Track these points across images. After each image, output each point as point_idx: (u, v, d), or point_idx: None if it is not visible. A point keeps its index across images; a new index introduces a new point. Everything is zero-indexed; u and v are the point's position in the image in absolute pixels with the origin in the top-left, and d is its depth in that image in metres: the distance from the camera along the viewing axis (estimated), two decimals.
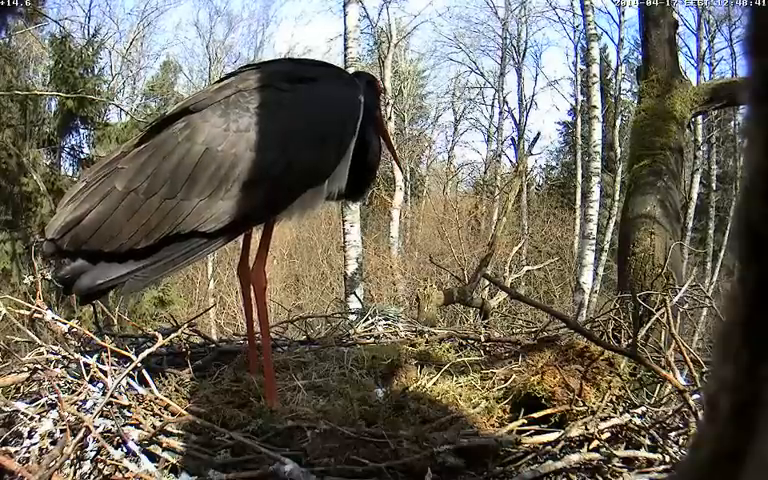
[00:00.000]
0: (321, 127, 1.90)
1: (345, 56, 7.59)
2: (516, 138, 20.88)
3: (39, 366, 1.94)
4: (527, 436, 1.67)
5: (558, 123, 24.25)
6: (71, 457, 1.49)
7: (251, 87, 1.85)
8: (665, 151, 4.04)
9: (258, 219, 1.94)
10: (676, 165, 4.14)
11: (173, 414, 1.75)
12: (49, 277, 2.34)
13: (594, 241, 10.64)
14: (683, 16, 15.37)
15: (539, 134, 9.87)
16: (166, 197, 1.70)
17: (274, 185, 1.82)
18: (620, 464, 1.61)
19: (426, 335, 2.83)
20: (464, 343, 2.74)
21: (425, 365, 2.30)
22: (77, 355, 1.99)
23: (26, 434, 1.64)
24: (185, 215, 1.71)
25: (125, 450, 1.55)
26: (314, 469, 1.48)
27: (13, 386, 1.94)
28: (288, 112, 1.88)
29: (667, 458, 1.61)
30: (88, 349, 2.15)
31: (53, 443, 1.58)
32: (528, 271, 11.00)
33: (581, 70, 17.97)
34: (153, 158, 1.74)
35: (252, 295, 2.04)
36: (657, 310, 2.57)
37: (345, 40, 7.65)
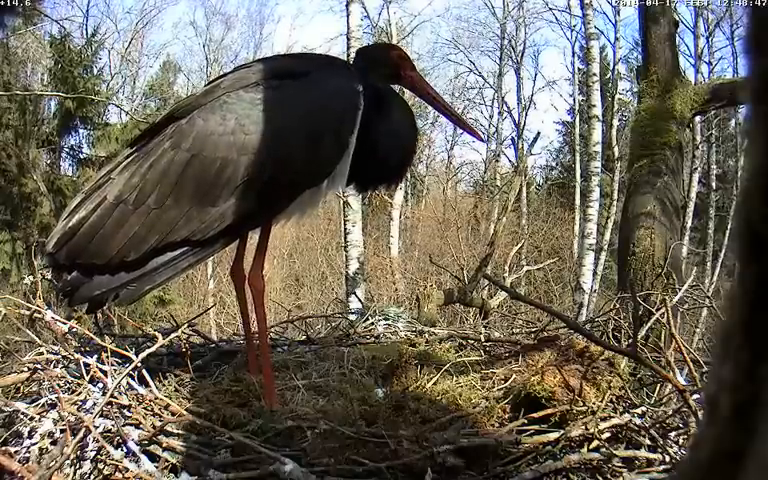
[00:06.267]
0: (314, 124, 1.80)
1: (348, 56, 7.59)
2: (516, 138, 20.88)
3: (39, 366, 1.94)
4: (527, 436, 1.67)
5: (557, 123, 24.22)
6: (71, 457, 1.49)
7: (237, 87, 1.79)
8: (665, 150, 4.04)
9: (253, 223, 1.89)
10: (676, 164, 4.14)
11: (173, 414, 1.75)
12: (49, 277, 2.34)
13: (594, 241, 10.63)
14: (681, 15, 15.36)
15: (539, 134, 9.88)
16: (154, 207, 1.68)
17: (267, 188, 1.76)
18: (620, 464, 1.61)
19: (426, 335, 2.83)
20: (464, 343, 2.73)
21: (425, 365, 2.29)
22: (77, 355, 1.99)
23: (26, 434, 1.64)
24: (174, 224, 1.69)
25: (125, 450, 1.55)
26: (314, 469, 1.49)
27: (13, 386, 1.94)
28: (277, 110, 1.79)
29: (667, 458, 1.61)
30: (88, 349, 2.15)
31: (53, 443, 1.58)
32: (528, 271, 11.00)
33: (579, 70, 17.97)
34: (141, 168, 1.73)
35: (250, 297, 2.02)
36: (657, 310, 2.57)
37: (348, 40, 7.66)
